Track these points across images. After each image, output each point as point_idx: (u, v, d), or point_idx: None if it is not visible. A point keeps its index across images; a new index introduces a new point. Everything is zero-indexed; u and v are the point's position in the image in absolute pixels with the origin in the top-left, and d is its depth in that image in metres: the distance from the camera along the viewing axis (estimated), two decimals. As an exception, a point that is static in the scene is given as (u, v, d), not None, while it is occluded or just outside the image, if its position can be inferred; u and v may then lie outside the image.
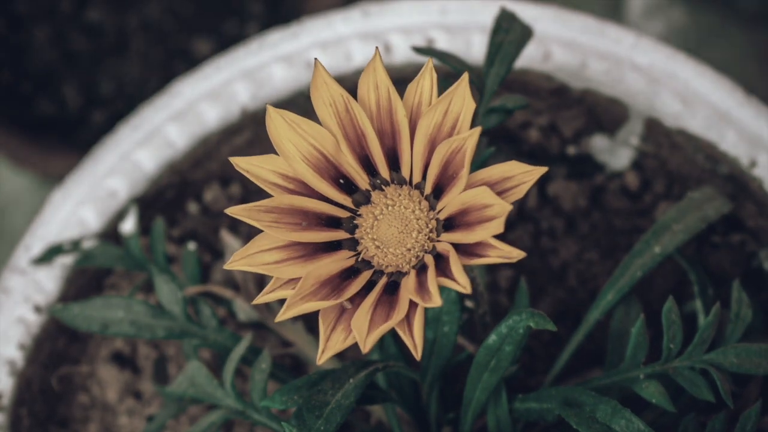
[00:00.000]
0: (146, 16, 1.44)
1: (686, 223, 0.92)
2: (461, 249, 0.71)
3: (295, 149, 0.74)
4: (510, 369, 0.83)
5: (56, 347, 1.01)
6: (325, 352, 0.71)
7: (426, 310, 0.70)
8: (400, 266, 0.73)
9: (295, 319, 0.95)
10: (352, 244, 0.75)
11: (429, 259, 0.71)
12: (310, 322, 0.96)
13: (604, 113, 1.03)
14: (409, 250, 0.73)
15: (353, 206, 0.75)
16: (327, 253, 0.74)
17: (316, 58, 0.74)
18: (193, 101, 1.05)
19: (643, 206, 1.03)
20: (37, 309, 1.01)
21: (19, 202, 1.43)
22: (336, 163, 0.75)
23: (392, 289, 0.72)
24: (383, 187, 0.75)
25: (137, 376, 1.01)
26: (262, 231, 0.73)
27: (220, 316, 1.00)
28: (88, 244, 1.01)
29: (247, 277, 0.97)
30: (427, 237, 0.73)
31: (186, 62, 1.41)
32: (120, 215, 1.03)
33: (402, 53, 1.05)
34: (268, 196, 0.74)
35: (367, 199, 0.75)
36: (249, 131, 1.05)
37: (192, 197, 1.06)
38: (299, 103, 1.05)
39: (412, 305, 0.70)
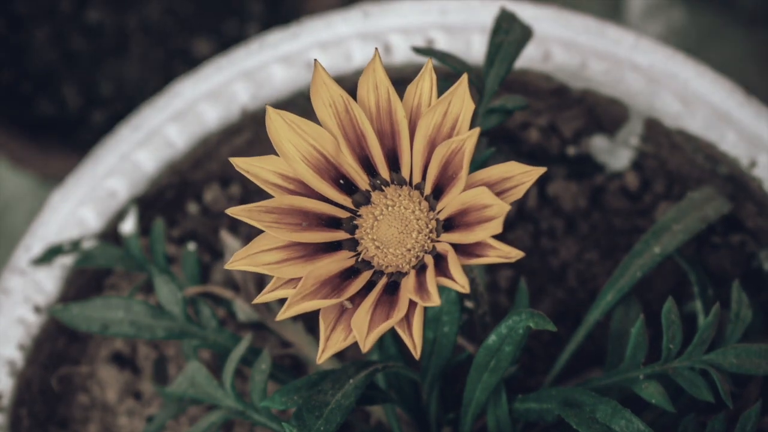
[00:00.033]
0: (146, 17, 1.44)
1: (686, 223, 0.92)
2: (461, 249, 0.71)
3: (294, 150, 0.74)
4: (510, 369, 0.83)
5: (56, 348, 1.01)
6: (326, 351, 0.71)
7: (426, 310, 0.70)
8: (400, 266, 0.73)
9: (295, 319, 0.95)
10: (352, 244, 0.75)
11: (429, 259, 0.71)
12: (310, 322, 0.96)
13: (604, 113, 1.03)
14: (409, 250, 0.73)
15: (353, 207, 0.75)
16: (327, 253, 0.74)
17: (315, 59, 0.74)
18: (193, 101, 1.05)
19: (642, 206, 1.03)
20: (37, 309, 1.01)
21: (19, 202, 1.43)
22: (336, 163, 0.75)
23: (392, 289, 0.72)
24: (383, 187, 0.75)
25: (137, 376, 1.01)
26: (262, 231, 0.73)
27: (220, 317, 1.00)
28: (87, 245, 1.01)
29: (246, 277, 0.97)
30: (427, 237, 0.73)
31: (186, 62, 1.41)
32: (120, 215, 1.03)
33: (402, 53, 1.05)
34: (268, 196, 0.74)
35: (367, 200, 0.75)
36: (249, 131, 1.05)
37: (192, 197, 1.06)
38: (299, 103, 1.05)
39: (412, 305, 0.70)
